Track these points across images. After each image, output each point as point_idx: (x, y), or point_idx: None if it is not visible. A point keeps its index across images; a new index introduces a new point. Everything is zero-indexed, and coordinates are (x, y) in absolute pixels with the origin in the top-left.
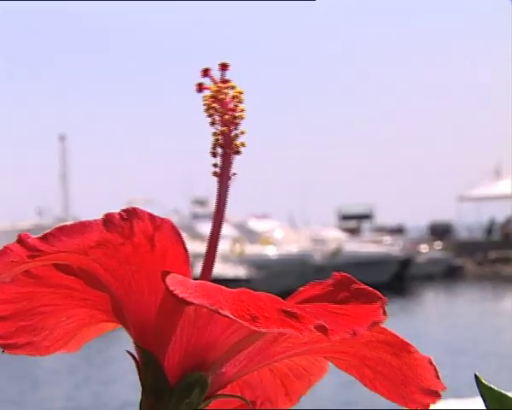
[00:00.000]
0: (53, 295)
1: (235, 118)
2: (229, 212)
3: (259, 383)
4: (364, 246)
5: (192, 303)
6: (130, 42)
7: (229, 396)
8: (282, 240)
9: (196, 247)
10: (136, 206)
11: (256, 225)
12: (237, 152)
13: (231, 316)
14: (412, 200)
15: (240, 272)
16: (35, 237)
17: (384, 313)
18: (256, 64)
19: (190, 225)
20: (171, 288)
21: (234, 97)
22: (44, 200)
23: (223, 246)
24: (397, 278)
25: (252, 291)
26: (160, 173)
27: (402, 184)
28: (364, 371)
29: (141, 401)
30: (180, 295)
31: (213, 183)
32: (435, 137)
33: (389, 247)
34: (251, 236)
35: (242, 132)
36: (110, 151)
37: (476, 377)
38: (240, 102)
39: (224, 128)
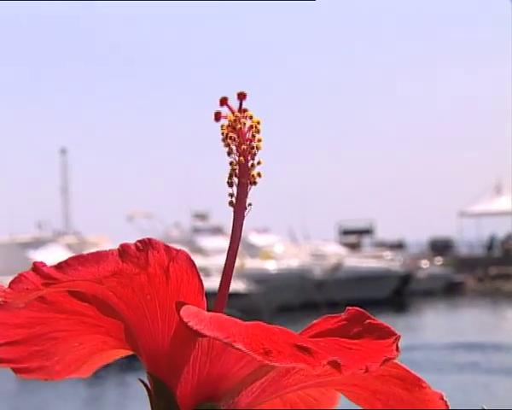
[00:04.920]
0: (66, 321)
1: (252, 148)
2: (229, 226)
3: None
4: (364, 261)
5: (206, 336)
6: (130, 55)
7: None
8: (283, 254)
9: (197, 261)
10: (137, 219)
11: (256, 239)
12: (254, 182)
13: (244, 349)
14: (413, 215)
15: (239, 286)
16: (50, 265)
17: (397, 348)
18: (254, 74)
19: (191, 239)
20: (186, 319)
21: (251, 127)
22: (44, 213)
23: (222, 260)
24: (397, 294)
25: (265, 324)
26: (161, 187)
27: (402, 199)
28: (376, 404)
29: None
30: (194, 328)
31: (213, 196)
32: (436, 153)
33: (389, 262)
34: (251, 250)
35: (259, 163)
36: (110, 165)
37: None
38: (257, 131)
39: (241, 158)
